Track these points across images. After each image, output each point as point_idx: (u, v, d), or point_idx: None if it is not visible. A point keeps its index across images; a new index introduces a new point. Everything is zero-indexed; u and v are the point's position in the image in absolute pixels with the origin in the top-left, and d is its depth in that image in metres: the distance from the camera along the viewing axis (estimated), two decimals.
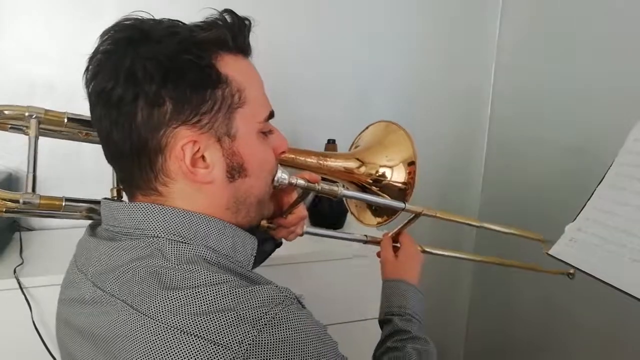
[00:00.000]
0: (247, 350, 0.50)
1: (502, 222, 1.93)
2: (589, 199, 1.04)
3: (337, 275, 1.45)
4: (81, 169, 1.51)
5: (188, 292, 0.53)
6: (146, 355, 0.51)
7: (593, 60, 1.58)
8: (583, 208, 1.04)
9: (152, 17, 0.62)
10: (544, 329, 1.81)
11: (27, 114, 0.67)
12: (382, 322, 0.92)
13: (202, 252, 0.59)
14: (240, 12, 0.63)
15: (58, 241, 1.43)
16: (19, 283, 1.15)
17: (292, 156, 0.92)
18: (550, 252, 1.05)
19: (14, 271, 1.17)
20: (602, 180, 1.03)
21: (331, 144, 1.55)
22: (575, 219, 1.04)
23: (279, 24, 1.61)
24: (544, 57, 1.76)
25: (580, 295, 1.23)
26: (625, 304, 0.98)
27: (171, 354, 0.50)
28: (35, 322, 1.15)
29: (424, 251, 1.08)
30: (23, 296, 1.15)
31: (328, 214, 1.52)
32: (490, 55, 1.98)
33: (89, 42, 1.61)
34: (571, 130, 1.65)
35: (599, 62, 1.55)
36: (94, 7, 1.47)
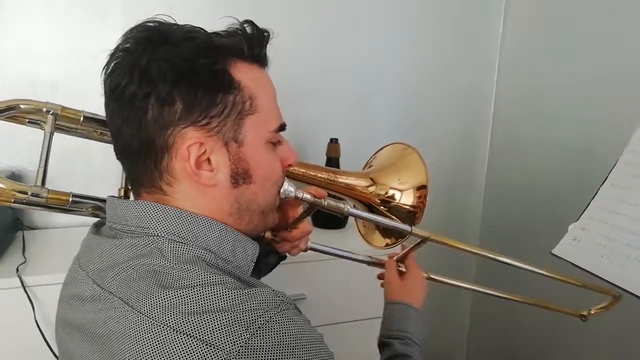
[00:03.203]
0: (239, 352, 0.50)
1: (505, 222, 1.96)
2: (593, 198, 1.03)
3: (339, 275, 1.45)
4: (89, 169, 1.51)
5: (184, 291, 0.53)
6: (140, 352, 0.51)
7: (596, 60, 1.58)
8: (587, 207, 1.04)
9: (175, 22, 0.63)
10: (548, 334, 1.81)
11: (44, 109, 0.68)
12: (382, 345, 0.91)
13: (201, 254, 0.59)
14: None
15: (61, 240, 1.44)
16: (22, 282, 1.15)
17: (303, 170, 0.91)
18: (554, 251, 1.05)
19: (17, 270, 1.17)
20: (606, 179, 1.03)
21: (334, 143, 1.56)
22: (579, 218, 1.04)
23: (280, 24, 1.60)
24: (547, 57, 1.76)
25: (586, 299, 1.22)
26: (633, 307, 0.98)
27: (164, 353, 0.50)
28: (38, 321, 1.15)
29: (429, 278, 1.06)
30: (25, 295, 1.15)
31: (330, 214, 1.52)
32: (493, 55, 1.98)
33: (91, 42, 1.62)
34: (574, 129, 1.65)
35: (602, 61, 1.55)
36: (96, 7, 1.47)
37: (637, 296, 0.88)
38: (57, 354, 1.11)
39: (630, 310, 1.41)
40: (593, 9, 1.59)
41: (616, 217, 0.98)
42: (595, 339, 1.61)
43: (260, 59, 0.65)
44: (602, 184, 1.03)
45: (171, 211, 0.60)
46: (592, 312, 1.21)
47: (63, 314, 0.67)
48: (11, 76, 1.44)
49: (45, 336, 1.14)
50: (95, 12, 1.47)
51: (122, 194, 0.75)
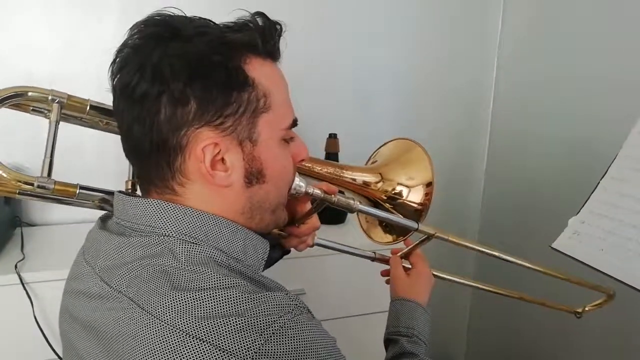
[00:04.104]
0: (252, 358, 0.49)
1: (504, 217, 1.96)
2: (592, 192, 1.04)
3: (337, 270, 1.45)
4: (83, 162, 1.49)
5: (197, 294, 0.52)
6: (150, 355, 0.50)
7: (594, 56, 1.58)
8: (587, 201, 1.04)
9: (183, 14, 0.61)
10: (548, 329, 1.81)
11: (50, 97, 0.66)
12: (388, 341, 0.90)
13: (213, 254, 0.58)
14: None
15: (59, 236, 1.43)
16: (20, 278, 1.14)
17: (309, 165, 0.90)
18: (554, 245, 1.05)
19: (15, 266, 1.16)
20: (606, 172, 1.03)
21: (332, 138, 1.55)
22: (579, 211, 1.04)
23: (280, 18, 1.61)
24: (546, 53, 1.76)
25: (587, 293, 1.22)
26: (633, 301, 0.98)
27: (175, 356, 0.49)
28: (37, 318, 1.14)
29: (433, 275, 1.04)
30: (24, 291, 1.14)
31: (329, 209, 1.52)
32: (492, 51, 1.98)
33: (89, 37, 1.61)
34: (573, 125, 1.66)
35: (601, 57, 1.56)
36: (95, 2, 1.46)
37: (637, 289, 0.88)
38: (56, 350, 1.12)
39: (631, 304, 1.42)
40: (591, 5, 1.60)
41: (616, 211, 0.99)
42: (594, 333, 1.62)
43: (273, 54, 0.63)
44: (602, 177, 1.03)
45: (181, 210, 0.59)
46: (586, 308, 1.22)
47: (69, 307, 0.65)
48: (8, 73, 1.42)
49: (45, 332, 1.13)
50: (94, 8, 1.46)
51: (130, 186, 0.74)
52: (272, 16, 0.64)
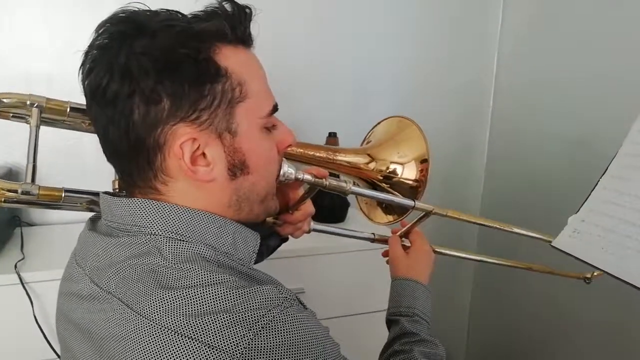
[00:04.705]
0: (242, 353, 0.49)
1: (504, 215, 1.95)
2: (592, 190, 1.03)
3: (337, 270, 1.45)
4: (82, 162, 1.50)
5: (184, 292, 0.52)
6: (140, 356, 0.50)
7: (594, 54, 1.57)
8: (586, 199, 1.03)
9: (148, 9, 0.59)
10: (548, 325, 1.80)
11: (28, 102, 0.66)
12: (389, 322, 0.90)
13: (201, 250, 0.58)
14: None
15: (59, 236, 1.43)
16: (20, 278, 1.14)
17: (301, 150, 0.89)
18: (553, 243, 1.04)
19: (15, 266, 1.17)
20: (605, 171, 1.02)
21: (332, 137, 1.55)
22: (579, 210, 1.03)
23: (279, 17, 1.61)
24: (546, 51, 1.75)
25: (586, 290, 1.21)
26: (632, 299, 0.97)
27: (165, 356, 0.49)
28: (37, 317, 1.14)
29: (434, 251, 1.04)
30: (24, 291, 1.14)
31: (329, 207, 1.51)
32: (492, 50, 1.97)
33: (88, 37, 1.61)
34: (573, 122, 1.65)
35: (601, 54, 1.55)
36: (94, 2, 1.46)
37: (636, 287, 0.87)
38: (56, 350, 1.13)
39: (630, 303, 1.41)
40: (591, 3, 1.58)
41: (616, 209, 0.98)
42: (594, 331, 1.61)
43: (244, 40, 0.61)
44: (602, 175, 1.02)
45: (167, 208, 0.59)
46: (595, 273, 1.19)
47: (64, 308, 0.66)
48: (8, 72, 1.43)
49: (44, 332, 1.14)
50: (93, 6, 1.46)
51: (117, 186, 0.73)
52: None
